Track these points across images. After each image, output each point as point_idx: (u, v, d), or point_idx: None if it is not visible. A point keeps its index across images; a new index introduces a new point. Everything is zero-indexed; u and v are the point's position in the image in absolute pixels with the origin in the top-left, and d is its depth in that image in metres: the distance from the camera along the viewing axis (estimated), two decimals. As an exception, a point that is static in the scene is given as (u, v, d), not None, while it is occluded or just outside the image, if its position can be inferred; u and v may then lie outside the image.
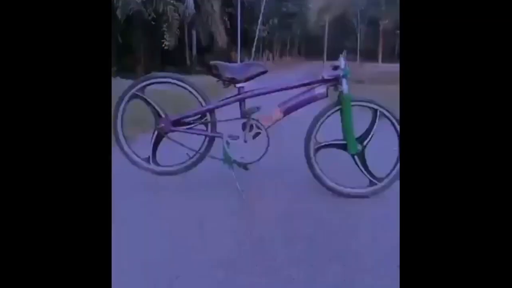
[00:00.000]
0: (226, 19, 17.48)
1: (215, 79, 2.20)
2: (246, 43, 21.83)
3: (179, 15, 13.54)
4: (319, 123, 2.16)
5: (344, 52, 2.26)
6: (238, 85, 2.15)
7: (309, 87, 2.17)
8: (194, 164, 2.27)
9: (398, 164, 2.16)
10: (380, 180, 2.18)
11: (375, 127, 2.16)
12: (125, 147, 2.27)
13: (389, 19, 32.70)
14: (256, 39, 21.42)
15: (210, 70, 2.16)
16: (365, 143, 2.18)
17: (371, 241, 1.69)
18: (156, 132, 2.24)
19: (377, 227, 1.83)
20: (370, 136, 2.17)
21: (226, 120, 2.21)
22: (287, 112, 2.16)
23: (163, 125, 2.19)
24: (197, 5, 14.78)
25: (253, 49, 21.44)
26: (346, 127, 2.14)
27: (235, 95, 2.17)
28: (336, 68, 2.13)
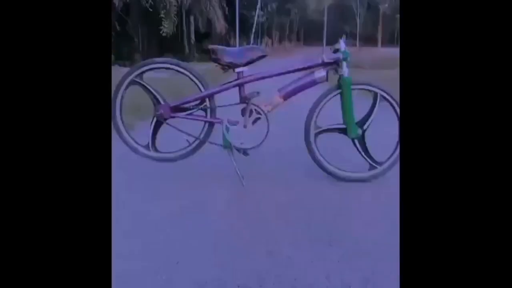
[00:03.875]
0: (224, 5, 17.30)
1: (214, 65, 2.18)
2: (245, 29, 21.66)
3: (177, 1, 13.39)
4: (319, 107, 2.15)
5: (344, 36, 2.23)
6: (237, 69, 2.13)
7: (309, 71, 2.14)
8: (194, 150, 2.26)
9: (398, 148, 2.16)
10: (380, 164, 2.18)
11: (375, 110, 2.15)
12: (124, 134, 2.27)
13: (389, 4, 32.38)
14: (254, 24, 21.23)
15: (209, 55, 2.14)
16: (365, 127, 2.17)
17: (371, 225, 1.69)
18: (155, 119, 2.23)
19: (377, 210, 1.83)
20: (370, 120, 2.16)
21: (226, 106, 2.20)
22: (287, 96, 2.15)
23: (162, 111, 2.17)
24: (194, -9, 14.63)
25: (252, 35, 21.26)
26: (346, 111, 2.13)
27: (234, 80, 2.15)
28: (336, 51, 2.11)
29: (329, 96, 2.14)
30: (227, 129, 2.12)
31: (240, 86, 2.15)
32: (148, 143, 2.26)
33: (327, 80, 2.13)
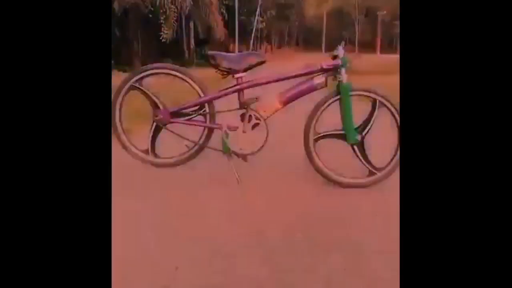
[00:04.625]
0: (224, 11, 17.37)
1: (213, 71, 2.19)
2: (244, 35, 21.75)
3: (176, 7, 13.43)
4: (318, 113, 2.15)
5: (343, 42, 2.24)
6: (236, 75, 2.14)
7: (308, 76, 2.15)
8: (193, 155, 2.26)
9: (398, 154, 2.16)
10: (379, 170, 2.18)
11: (374, 116, 2.16)
12: (124, 139, 2.27)
13: (388, 10, 32.55)
14: (254, 30, 21.32)
15: (208, 61, 2.14)
16: (364, 133, 2.17)
17: (370, 231, 1.69)
18: (154, 124, 2.23)
19: (376, 216, 1.83)
20: (369, 126, 2.17)
21: (225, 111, 2.20)
22: (286, 102, 2.15)
23: (161, 116, 2.18)
24: (194, -3, 14.68)
25: (251, 41, 21.34)
26: (345, 117, 2.13)
27: (234, 86, 2.16)
28: (334, 57, 2.12)
29: (328, 102, 2.15)
30: (227, 134, 2.12)
31: (239, 91, 2.15)
32: (148, 148, 2.26)
33: (326, 86, 2.14)
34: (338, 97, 2.13)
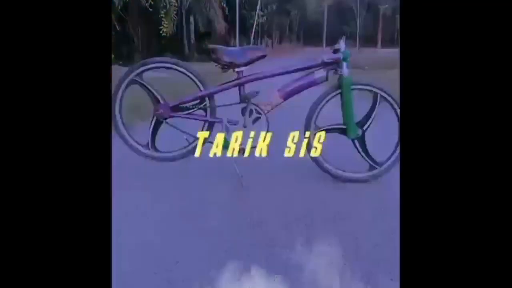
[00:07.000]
0: (224, 5, 17.30)
1: (214, 65, 2.18)
2: (245, 29, 21.68)
3: (177, 1, 13.38)
4: (319, 107, 2.15)
5: (344, 36, 2.23)
6: (237, 69, 2.13)
7: (309, 71, 2.14)
8: (194, 149, 2.26)
9: (398, 148, 2.16)
10: (380, 164, 2.17)
11: (375, 111, 2.15)
12: (124, 133, 2.26)
13: (389, 4, 32.40)
14: (254, 25, 21.25)
15: (209, 54, 2.13)
16: (365, 127, 2.16)
17: (371, 225, 1.69)
18: (155, 118, 2.22)
19: (376, 211, 1.83)
20: (370, 120, 2.16)
21: (226, 105, 2.20)
22: (287, 96, 2.14)
23: (162, 110, 2.17)
24: (194, -9, 14.64)
25: (252, 35, 21.28)
26: (346, 111, 2.12)
27: (234, 80, 2.15)
28: (336, 51, 2.11)
29: (329, 96, 2.14)
30: (227, 128, 2.12)
31: (240, 85, 2.14)
32: (148, 142, 2.26)
33: (327, 80, 2.13)
34: (339, 91, 2.12)
